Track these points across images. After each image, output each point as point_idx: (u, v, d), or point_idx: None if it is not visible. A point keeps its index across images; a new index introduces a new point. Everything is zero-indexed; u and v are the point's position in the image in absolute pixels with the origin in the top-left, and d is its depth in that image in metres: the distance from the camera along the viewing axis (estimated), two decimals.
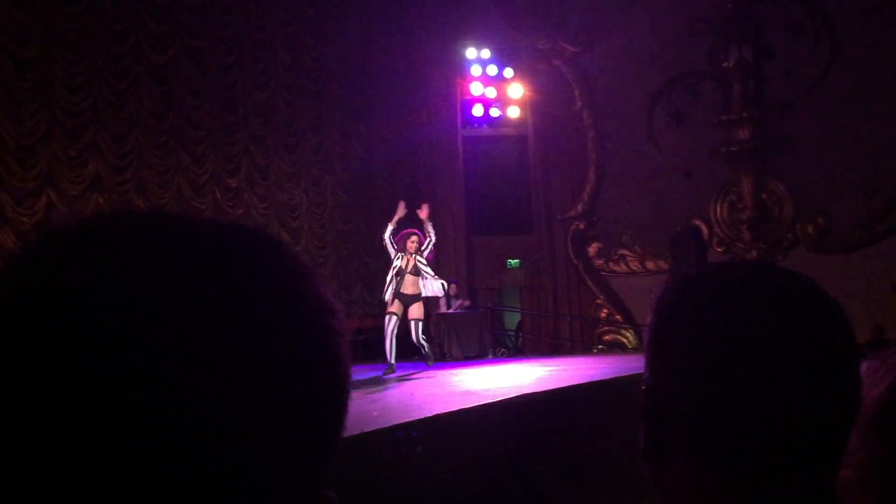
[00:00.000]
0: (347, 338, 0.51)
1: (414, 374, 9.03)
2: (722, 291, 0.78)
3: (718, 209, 15.60)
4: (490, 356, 13.60)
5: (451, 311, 13.83)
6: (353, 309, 14.80)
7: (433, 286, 9.20)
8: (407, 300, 9.10)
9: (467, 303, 14.45)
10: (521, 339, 16.49)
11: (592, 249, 16.60)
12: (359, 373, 9.64)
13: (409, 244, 9.14)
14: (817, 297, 0.78)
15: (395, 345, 8.92)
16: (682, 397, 0.76)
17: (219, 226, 0.49)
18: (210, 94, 13.45)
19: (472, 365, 11.23)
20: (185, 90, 13.16)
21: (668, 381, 0.78)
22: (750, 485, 0.74)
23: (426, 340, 9.35)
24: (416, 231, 9.32)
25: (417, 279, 9.11)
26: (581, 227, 16.55)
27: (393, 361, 8.93)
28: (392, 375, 8.79)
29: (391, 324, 9.00)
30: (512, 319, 16.97)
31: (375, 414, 5.32)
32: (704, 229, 15.40)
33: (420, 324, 9.24)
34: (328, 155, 14.95)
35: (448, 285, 14.34)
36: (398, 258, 9.04)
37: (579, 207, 16.59)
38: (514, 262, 16.74)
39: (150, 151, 12.72)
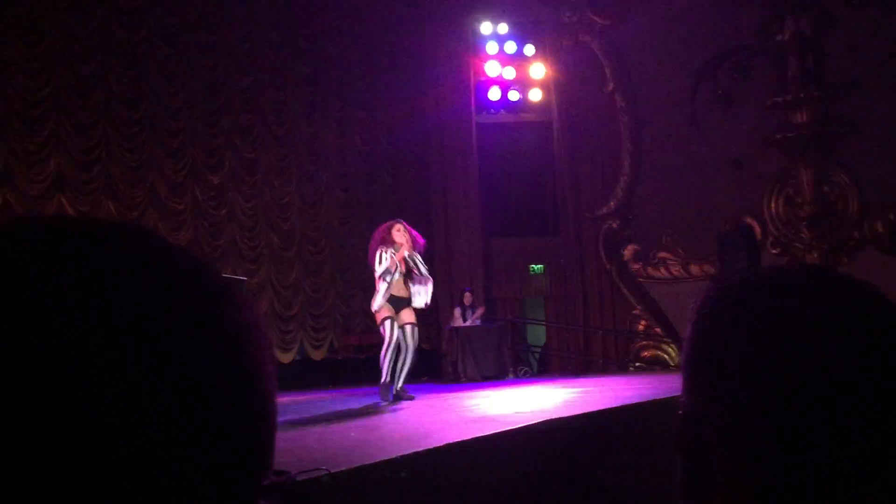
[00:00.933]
0: (270, 360, 0.55)
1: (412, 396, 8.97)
2: (772, 301, 0.77)
3: (773, 205, 15.54)
4: (510, 376, 13.62)
5: (466, 323, 13.84)
6: (352, 323, 14.84)
7: (420, 296, 8.90)
8: (398, 304, 8.84)
9: (482, 310, 14.46)
10: (545, 356, 16.45)
11: (628, 252, 16.56)
12: (361, 397, 9.66)
13: (395, 234, 8.86)
14: (884, 307, 0.77)
15: (393, 359, 8.69)
16: (726, 424, 0.76)
17: (121, 235, 0.52)
18: (188, 78, 13.53)
19: (489, 386, 11.24)
20: (159, 74, 13.23)
21: (709, 405, 0.78)
22: None
23: (393, 361, 8.73)
24: (400, 221, 9.09)
25: (406, 282, 8.88)
26: (615, 226, 16.53)
27: (387, 380, 8.67)
28: (387, 402, 8.56)
29: (393, 331, 8.71)
30: (535, 334, 16.95)
31: (373, 444, 5.31)
32: (757, 228, 15.33)
33: (416, 330, 8.95)
34: (324, 147, 15.00)
35: (463, 294, 14.42)
36: (385, 258, 8.74)
37: (612, 204, 16.57)
38: (537, 267, 16.73)
39: (120, 145, 12.78)
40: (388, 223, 9.05)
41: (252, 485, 0.51)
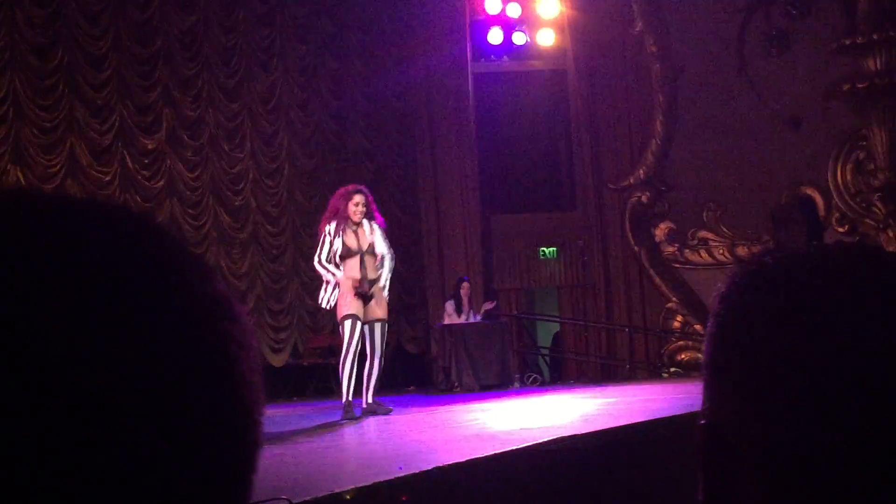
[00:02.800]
0: (254, 350, 0.58)
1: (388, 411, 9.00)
2: (813, 287, 0.77)
3: (840, 172, 15.58)
4: (516, 385, 13.68)
5: (462, 320, 13.88)
6: (320, 321, 14.86)
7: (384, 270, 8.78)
8: (364, 294, 8.71)
9: (492, 304, 14.49)
10: (559, 360, 16.51)
11: (661, 232, 16.60)
12: (331, 412, 9.70)
13: (351, 207, 8.71)
14: None
15: (355, 369, 8.55)
16: (757, 436, 0.76)
17: (81, 207, 0.55)
18: (115, 18, 13.49)
19: (490, 398, 11.30)
20: (78, 14, 13.20)
21: (736, 413, 0.78)
22: None
23: (350, 369, 8.57)
24: (360, 188, 8.94)
25: (373, 263, 8.77)
26: (644, 199, 16.56)
27: (350, 398, 8.56)
28: (347, 421, 8.48)
29: (354, 334, 8.58)
30: (546, 333, 17.00)
31: (351, 467, 5.34)
32: (819, 201, 15.36)
33: (385, 328, 8.88)
34: (284, 102, 14.99)
35: (459, 285, 14.46)
36: (338, 235, 8.62)
37: (641, 173, 16.59)
38: (549, 250, 16.78)
39: (31, 101, 12.75)
40: (346, 189, 8.87)
41: (234, 493, 0.55)
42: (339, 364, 8.65)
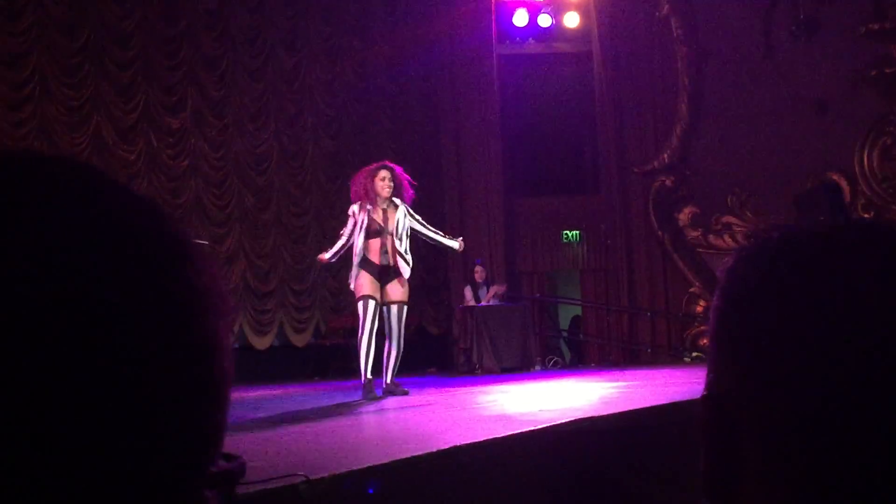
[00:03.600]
0: (229, 333, 0.59)
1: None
2: (819, 261, 0.78)
3: (866, 158, 15.50)
4: (537, 368, 13.70)
5: (481, 303, 13.90)
6: (342, 301, 14.91)
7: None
8: (382, 274, 8.64)
9: (503, 288, 14.49)
10: (580, 343, 16.51)
11: (685, 216, 16.56)
12: (352, 391, 9.73)
13: (378, 183, 8.59)
14: None
15: (374, 348, 8.49)
16: (758, 407, 0.77)
17: (62, 170, 0.55)
18: None
19: (511, 380, 11.31)
20: None
21: (739, 384, 0.79)
22: None
23: (370, 347, 8.52)
24: (385, 163, 8.83)
25: (394, 243, 8.65)
26: (668, 183, 16.52)
27: (370, 377, 8.54)
28: (367, 400, 8.44)
29: (367, 315, 8.53)
30: (568, 316, 17.00)
31: (368, 445, 5.36)
32: (845, 186, 15.29)
33: (402, 311, 8.79)
34: (309, 84, 15.02)
35: (473, 269, 14.47)
36: (364, 213, 8.55)
37: (665, 156, 16.55)
38: (572, 233, 16.76)
39: (58, 79, 12.82)
40: (369, 168, 8.77)
41: (198, 472, 0.55)
42: (358, 343, 8.66)
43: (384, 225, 8.63)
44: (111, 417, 0.49)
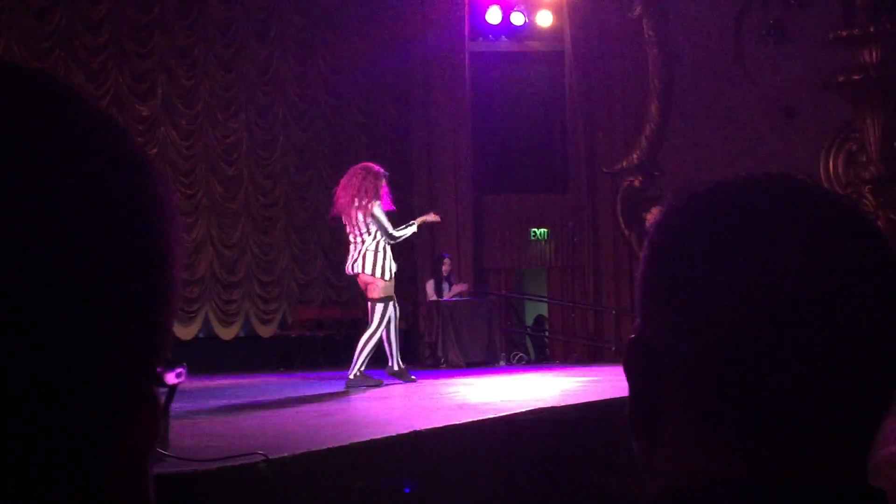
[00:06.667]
0: (180, 242, 0.61)
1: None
2: (735, 211, 0.84)
3: (832, 163, 15.59)
4: (502, 363, 13.75)
5: (444, 298, 13.93)
6: (311, 292, 14.92)
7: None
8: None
9: (464, 287, 14.52)
10: (546, 340, 16.57)
11: (652, 216, 16.53)
12: (317, 382, 9.78)
13: (383, 190, 9.10)
14: (861, 223, 0.84)
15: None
16: (679, 349, 0.83)
17: (27, 81, 0.57)
18: None
19: (475, 373, 11.35)
20: None
21: (663, 328, 0.85)
22: (761, 460, 0.80)
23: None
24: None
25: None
26: (636, 183, 16.58)
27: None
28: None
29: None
30: (534, 313, 17.05)
31: (329, 430, 5.42)
32: None
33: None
34: (280, 75, 14.98)
35: (441, 262, 14.52)
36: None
37: (634, 157, 16.61)
38: (540, 231, 16.80)
39: (27, 63, 12.72)
40: (376, 170, 9.12)
41: (146, 368, 0.58)
42: (368, 339, 8.93)
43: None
44: (72, 316, 0.52)
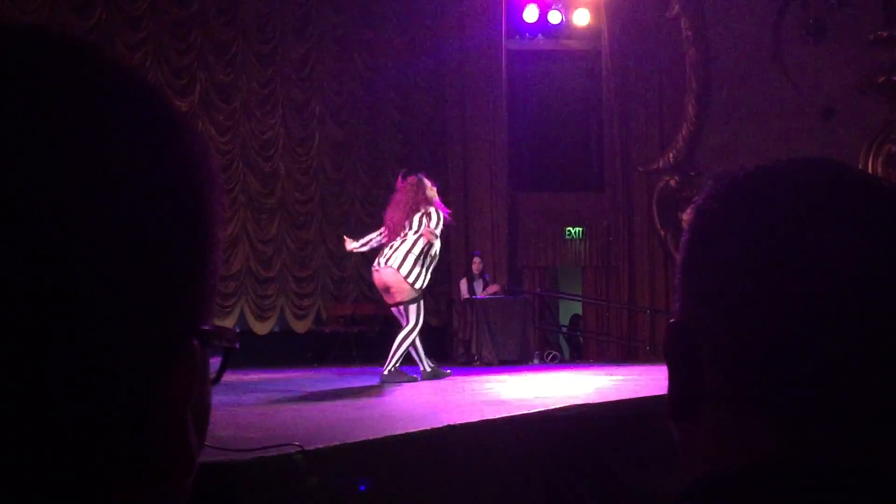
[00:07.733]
0: (221, 204, 0.63)
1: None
2: (778, 194, 0.84)
3: (871, 165, 15.49)
4: (535, 361, 13.75)
5: (477, 296, 13.95)
6: (345, 288, 14.98)
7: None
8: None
9: (497, 288, 14.52)
10: (580, 339, 16.56)
11: (688, 216, 16.55)
12: (351, 377, 9.84)
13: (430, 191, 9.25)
14: None
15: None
16: (719, 332, 0.83)
17: (63, 45, 0.57)
18: None
19: (509, 371, 11.36)
20: None
21: (703, 311, 0.85)
22: (803, 442, 0.80)
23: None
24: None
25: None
26: (672, 183, 16.54)
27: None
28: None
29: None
30: (568, 311, 17.04)
31: (364, 423, 5.46)
32: None
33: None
34: (317, 71, 15.05)
35: (471, 260, 14.54)
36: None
37: (671, 156, 16.57)
38: (575, 230, 16.79)
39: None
40: (431, 181, 9.32)
41: (186, 321, 0.59)
42: (405, 338, 9.02)
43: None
44: (117, 275, 0.53)
